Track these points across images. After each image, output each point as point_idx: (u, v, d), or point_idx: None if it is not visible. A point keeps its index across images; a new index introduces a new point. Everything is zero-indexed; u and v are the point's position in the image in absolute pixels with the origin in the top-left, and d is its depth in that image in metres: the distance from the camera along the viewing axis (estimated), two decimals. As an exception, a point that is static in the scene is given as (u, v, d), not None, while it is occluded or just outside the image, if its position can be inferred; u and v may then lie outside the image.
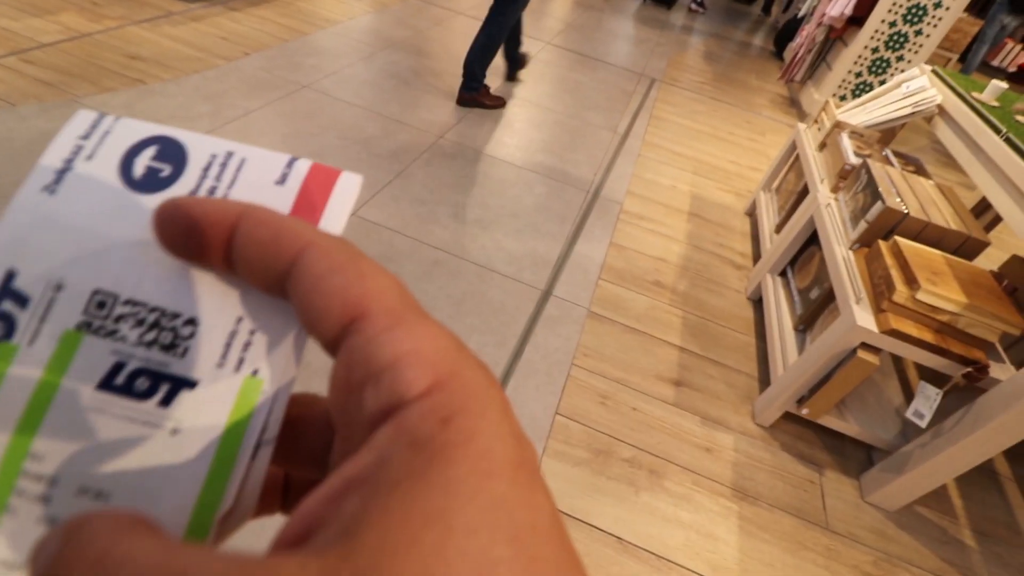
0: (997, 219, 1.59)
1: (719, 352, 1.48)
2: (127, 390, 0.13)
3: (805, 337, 1.35)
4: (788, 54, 3.78)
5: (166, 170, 0.14)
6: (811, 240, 1.50)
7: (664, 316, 1.55)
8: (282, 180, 0.15)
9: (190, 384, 0.13)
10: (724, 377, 1.41)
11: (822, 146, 1.69)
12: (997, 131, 1.22)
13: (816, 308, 1.33)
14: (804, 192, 1.67)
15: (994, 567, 1.16)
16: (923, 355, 1.04)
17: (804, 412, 1.23)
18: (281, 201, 0.14)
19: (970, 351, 1.03)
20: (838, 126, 1.64)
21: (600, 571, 0.97)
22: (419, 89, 2.35)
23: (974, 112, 1.34)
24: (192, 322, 0.14)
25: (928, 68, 1.68)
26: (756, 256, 1.90)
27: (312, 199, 0.15)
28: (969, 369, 1.01)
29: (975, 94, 1.46)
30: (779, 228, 1.74)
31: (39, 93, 1.71)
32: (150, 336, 0.14)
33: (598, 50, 3.52)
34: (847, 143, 1.54)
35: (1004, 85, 1.46)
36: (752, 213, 2.14)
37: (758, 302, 1.68)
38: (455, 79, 2.47)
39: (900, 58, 2.90)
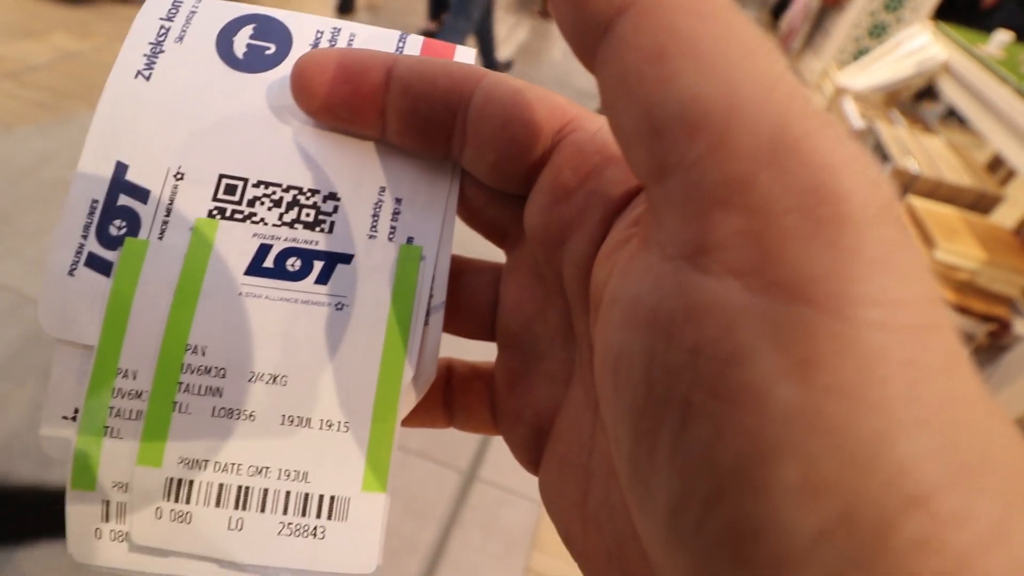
0: (1009, 176, 1.55)
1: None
2: (279, 272, 0.12)
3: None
4: (783, 24, 3.73)
5: (271, 48, 0.13)
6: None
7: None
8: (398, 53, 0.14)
9: (344, 259, 0.13)
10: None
11: (825, 113, 1.66)
12: (1007, 83, 1.19)
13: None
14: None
15: None
16: (944, 316, 1.02)
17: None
18: None
19: (992, 308, 1.00)
20: (840, 92, 1.60)
21: None
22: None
23: (982, 66, 1.31)
24: (332, 197, 0.13)
25: (930, 24, 1.64)
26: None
27: None
28: (992, 326, 0.98)
29: (980, 46, 1.42)
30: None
31: (35, 115, 1.71)
32: (291, 216, 0.13)
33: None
34: (850, 108, 1.51)
35: (1008, 37, 1.42)
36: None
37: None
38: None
39: (900, 19, 2.84)
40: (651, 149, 0.07)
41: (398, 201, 0.13)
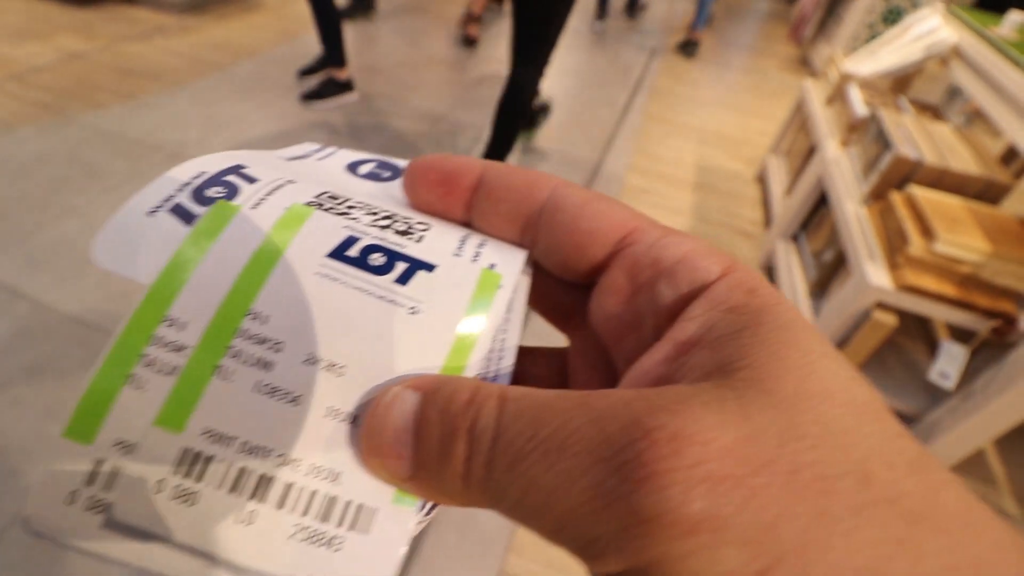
0: (1027, 164, 1.48)
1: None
2: (361, 263, 0.12)
3: (821, 303, 1.27)
4: (795, 11, 3.62)
5: (385, 174, 0.16)
6: (824, 200, 1.42)
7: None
8: None
9: (428, 267, 0.13)
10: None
11: (830, 101, 1.60)
12: (1021, 66, 1.12)
13: (830, 271, 1.25)
14: (813, 151, 1.58)
15: (1040, 534, 1.08)
16: (945, 311, 0.97)
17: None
18: None
19: (997, 303, 0.95)
20: (845, 78, 1.54)
21: None
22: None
23: (995, 49, 1.24)
24: (424, 224, 0.14)
25: (941, 6, 1.57)
26: (768, 223, 1.82)
27: None
28: (997, 322, 0.93)
29: (993, 28, 1.35)
30: (789, 190, 1.65)
31: (36, 115, 1.74)
32: (384, 222, 0.13)
33: (594, 24, 3.42)
34: (855, 94, 1.45)
35: (1021, 17, 1.34)
36: (763, 179, 2.05)
37: (771, 271, 1.61)
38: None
39: (915, 4, 2.74)
40: None
41: (482, 243, 0.14)
